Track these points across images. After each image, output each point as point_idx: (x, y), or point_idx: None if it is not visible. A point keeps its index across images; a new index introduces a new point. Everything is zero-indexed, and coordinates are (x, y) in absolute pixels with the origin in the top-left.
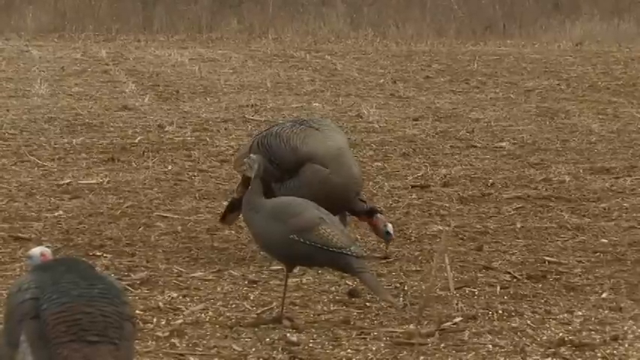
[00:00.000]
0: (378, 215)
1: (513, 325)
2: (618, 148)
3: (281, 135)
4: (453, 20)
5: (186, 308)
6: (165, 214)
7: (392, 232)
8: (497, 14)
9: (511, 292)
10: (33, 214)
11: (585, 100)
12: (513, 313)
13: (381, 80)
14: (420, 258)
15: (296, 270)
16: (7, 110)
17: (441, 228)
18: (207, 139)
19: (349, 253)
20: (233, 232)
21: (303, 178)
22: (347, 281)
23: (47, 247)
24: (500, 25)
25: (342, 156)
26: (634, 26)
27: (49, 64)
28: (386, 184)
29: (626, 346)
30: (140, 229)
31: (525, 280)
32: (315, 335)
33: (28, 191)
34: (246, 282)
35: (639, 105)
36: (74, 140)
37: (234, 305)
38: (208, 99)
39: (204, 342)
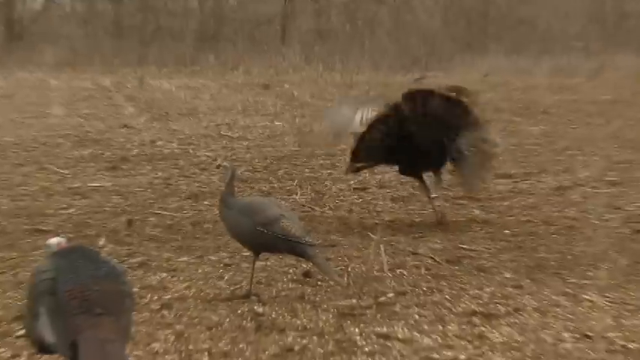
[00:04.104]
0: None
1: (435, 299)
2: (518, 157)
3: None
4: (386, 57)
5: (174, 286)
6: (157, 211)
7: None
8: (421, 51)
9: (433, 273)
10: (51, 211)
11: (492, 119)
12: (435, 290)
13: (329, 104)
14: (360, 246)
15: (261, 256)
16: (30, 128)
17: (377, 222)
18: (191, 150)
19: (304, 242)
20: (211, 226)
21: None
22: (302, 264)
23: (62, 237)
24: (423, 60)
25: None
26: (530, 61)
27: (63, 91)
28: (333, 186)
29: (526, 316)
30: (137, 223)
31: (444, 264)
32: (277, 307)
33: (47, 193)
34: (221, 265)
35: (534, 123)
36: (84, 152)
37: (212, 284)
38: (191, 119)
39: (189, 313)
